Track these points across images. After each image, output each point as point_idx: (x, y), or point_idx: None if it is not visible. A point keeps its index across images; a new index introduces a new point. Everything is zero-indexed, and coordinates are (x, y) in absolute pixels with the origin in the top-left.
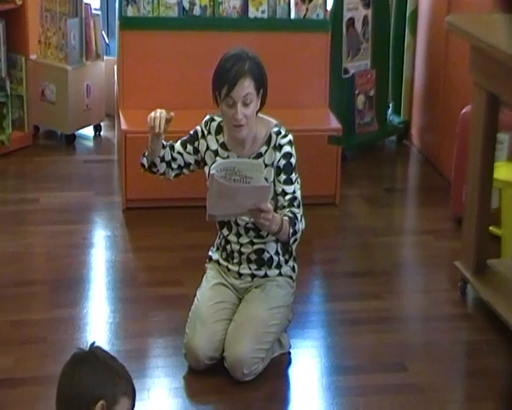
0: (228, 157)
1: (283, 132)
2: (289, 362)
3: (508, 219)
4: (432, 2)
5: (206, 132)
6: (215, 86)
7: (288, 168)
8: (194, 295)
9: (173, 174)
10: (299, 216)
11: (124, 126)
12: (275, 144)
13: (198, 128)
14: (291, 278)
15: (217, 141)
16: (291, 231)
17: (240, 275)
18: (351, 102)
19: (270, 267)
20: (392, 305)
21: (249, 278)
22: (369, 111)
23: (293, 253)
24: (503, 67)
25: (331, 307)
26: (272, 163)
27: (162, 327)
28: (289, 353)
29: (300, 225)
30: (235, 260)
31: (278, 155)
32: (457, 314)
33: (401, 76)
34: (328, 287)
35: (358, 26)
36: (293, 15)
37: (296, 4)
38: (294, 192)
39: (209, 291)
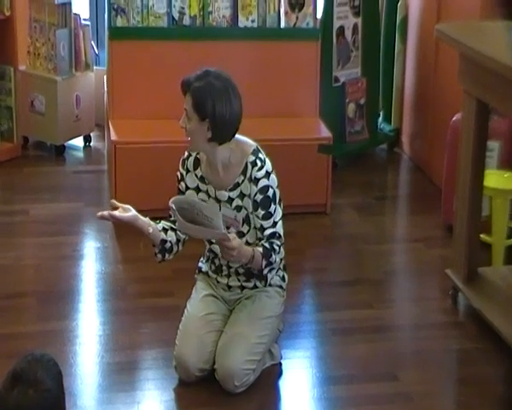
0: (207, 191)
1: (259, 164)
2: (280, 373)
3: (498, 226)
4: (421, 10)
5: (184, 173)
6: None
7: (266, 202)
8: (185, 307)
9: (183, 236)
10: (276, 247)
11: (113, 137)
12: (250, 176)
13: (177, 173)
14: (281, 287)
15: (196, 176)
16: (264, 263)
17: (229, 287)
18: (341, 111)
19: (258, 279)
20: (383, 314)
21: (238, 290)
22: (359, 119)
23: (284, 262)
24: (492, 75)
25: (322, 316)
26: (249, 195)
27: (152, 339)
28: (280, 363)
29: (277, 257)
30: (223, 273)
31: (255, 188)
32: (448, 322)
33: (391, 84)
34: (319, 296)
35: (348, 34)
36: (283, 24)
37: (286, 13)
38: (274, 225)
39: (199, 303)
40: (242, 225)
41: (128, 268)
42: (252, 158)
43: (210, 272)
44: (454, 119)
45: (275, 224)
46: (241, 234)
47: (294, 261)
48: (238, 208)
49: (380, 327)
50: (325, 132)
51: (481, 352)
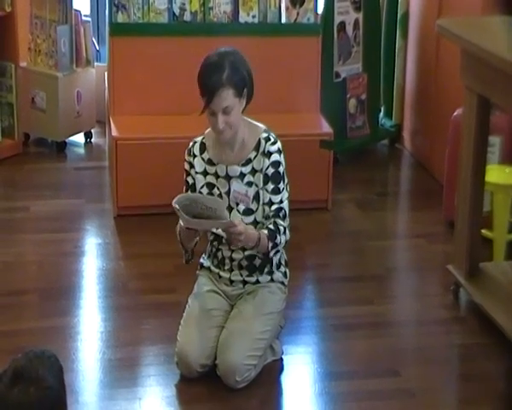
0: (216, 172)
1: (272, 139)
2: (282, 369)
3: (499, 222)
4: (422, 6)
5: (192, 159)
6: (200, 92)
7: (277, 177)
8: (187, 303)
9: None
10: (282, 228)
11: (114, 133)
12: (264, 150)
13: (185, 165)
14: (283, 283)
15: (203, 159)
16: (270, 244)
17: (231, 282)
18: (342, 106)
19: (261, 273)
20: (384, 310)
21: (241, 285)
22: (360, 115)
23: (285, 258)
24: (493, 70)
25: (323, 312)
26: (261, 169)
27: (154, 335)
28: (282, 359)
29: (283, 238)
30: (226, 267)
31: (267, 162)
32: (450, 318)
33: (392, 79)
34: (321, 292)
35: (349, 29)
36: (283, 20)
37: (287, 9)
38: (281, 202)
39: (201, 298)
40: (252, 202)
41: (129, 264)
42: (265, 135)
43: (212, 267)
44: (455, 114)
45: (282, 201)
46: (250, 211)
47: (296, 257)
48: (249, 184)
49: (381, 323)
50: (326, 128)
51: (483, 347)
